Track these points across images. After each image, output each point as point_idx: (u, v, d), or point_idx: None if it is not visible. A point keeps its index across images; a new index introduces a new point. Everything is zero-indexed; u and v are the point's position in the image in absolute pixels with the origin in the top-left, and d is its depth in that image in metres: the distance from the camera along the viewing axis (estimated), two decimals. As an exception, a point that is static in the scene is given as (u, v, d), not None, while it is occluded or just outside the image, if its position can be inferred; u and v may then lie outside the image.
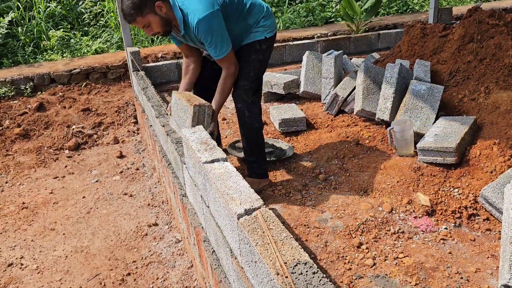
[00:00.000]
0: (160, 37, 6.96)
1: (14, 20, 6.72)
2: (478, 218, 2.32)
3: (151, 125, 3.83)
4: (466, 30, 3.63)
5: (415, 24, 4.19)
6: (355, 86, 3.66)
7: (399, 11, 9.33)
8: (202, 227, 2.27)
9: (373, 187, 2.62)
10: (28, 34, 6.74)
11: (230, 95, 2.68)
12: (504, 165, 2.51)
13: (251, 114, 2.68)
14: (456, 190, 2.51)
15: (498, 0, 10.83)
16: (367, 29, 7.17)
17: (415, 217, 2.35)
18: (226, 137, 3.62)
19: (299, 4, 8.82)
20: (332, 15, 8.59)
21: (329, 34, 7.03)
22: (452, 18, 6.75)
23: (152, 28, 2.41)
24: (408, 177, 2.65)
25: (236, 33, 2.58)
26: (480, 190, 2.40)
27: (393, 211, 2.40)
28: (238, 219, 1.55)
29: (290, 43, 6.03)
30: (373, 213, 2.38)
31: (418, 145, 2.76)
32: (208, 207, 2.03)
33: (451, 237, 2.20)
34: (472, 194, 2.45)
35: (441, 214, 2.36)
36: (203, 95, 2.71)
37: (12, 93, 5.32)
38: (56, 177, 4.09)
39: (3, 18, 6.47)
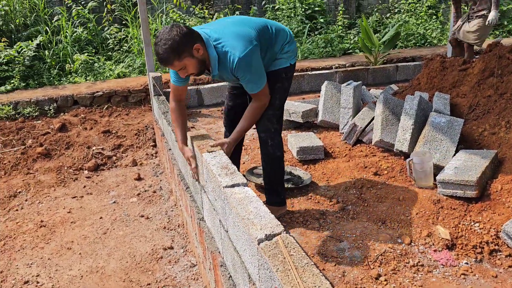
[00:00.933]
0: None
1: (41, 43, 6.97)
2: (500, 254, 2.28)
3: (170, 149, 3.88)
4: (486, 65, 3.65)
5: (435, 57, 4.23)
6: (374, 117, 3.68)
7: (417, 44, 9.41)
8: (219, 252, 2.27)
9: (391, 218, 2.60)
10: (54, 57, 6.97)
11: None
12: (526, 201, 2.47)
13: (274, 143, 2.67)
14: (477, 224, 2.47)
15: (517, 36, 10.85)
16: (385, 61, 7.24)
17: (434, 250, 2.31)
18: (244, 163, 3.65)
19: (317, 35, 8.97)
20: (350, 47, 8.70)
21: (347, 65, 7.11)
22: (472, 52, 6.77)
23: (187, 70, 2.33)
24: (428, 209, 2.62)
25: (265, 62, 2.54)
26: (502, 225, 2.36)
27: (412, 243, 2.37)
28: (259, 244, 1.56)
29: (309, 73, 6.11)
30: (392, 244, 2.35)
31: (438, 177, 2.74)
32: (227, 231, 2.04)
33: (472, 272, 2.15)
34: (494, 229, 2.41)
35: (461, 248, 2.32)
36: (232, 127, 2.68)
37: (36, 113, 5.47)
38: (74, 197, 4.14)
39: (32, 41, 6.71)
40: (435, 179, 2.83)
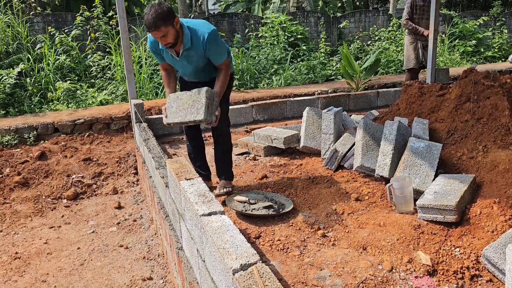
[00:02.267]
0: (163, 90, 7.21)
1: (23, 71, 6.92)
2: (481, 280, 2.26)
3: (150, 176, 3.83)
4: (462, 90, 3.73)
5: (413, 83, 4.30)
6: (355, 142, 3.70)
7: (398, 70, 9.62)
8: (197, 282, 2.21)
9: (372, 244, 2.58)
10: (36, 84, 6.92)
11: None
12: (505, 225, 2.48)
13: (226, 139, 3.47)
14: (458, 249, 2.46)
15: (492, 63, 11.19)
16: (366, 87, 7.36)
17: (416, 277, 2.29)
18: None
19: (300, 62, 9.11)
20: (333, 73, 8.85)
21: (329, 91, 7.20)
22: (449, 78, 6.94)
23: (167, 37, 2.94)
24: (408, 235, 2.61)
25: (203, 64, 3.21)
26: (482, 250, 2.35)
27: (393, 270, 2.34)
28: (234, 274, 1.52)
29: (291, 99, 6.17)
30: (373, 271, 2.32)
31: (418, 202, 2.74)
32: (204, 261, 1.99)
33: (453, 298, 2.13)
34: (474, 254, 2.40)
35: (442, 274, 2.30)
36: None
37: (15, 141, 5.38)
38: (52, 227, 4.03)
39: (13, 69, 6.67)
40: (415, 204, 2.83)
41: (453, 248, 2.48)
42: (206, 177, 3.55)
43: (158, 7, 2.89)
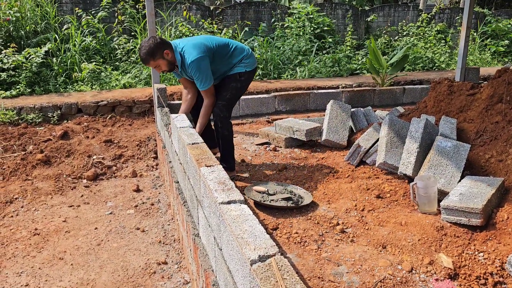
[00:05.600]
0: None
1: (50, 51, 7.00)
2: (505, 287, 2.18)
3: (170, 161, 3.83)
4: (494, 90, 3.59)
5: (442, 80, 4.17)
6: (378, 138, 3.61)
7: (425, 68, 9.39)
8: (213, 270, 2.19)
9: (392, 243, 2.51)
10: (62, 65, 6.99)
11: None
12: (533, 232, 2.38)
13: (223, 125, 3.49)
14: (481, 254, 2.38)
15: (526, 64, 10.81)
16: (392, 83, 7.20)
17: (436, 280, 2.22)
18: (244, 179, 3.58)
19: (325, 55, 8.97)
20: (358, 67, 8.69)
21: (354, 85, 7.08)
22: (479, 78, 6.73)
23: (160, 67, 3.39)
24: (430, 236, 2.53)
25: (222, 70, 3.52)
26: (507, 256, 2.27)
27: (413, 271, 2.28)
28: (251, 265, 1.48)
29: (315, 91, 6.08)
30: (392, 271, 2.26)
31: (442, 203, 2.66)
32: (221, 249, 1.96)
33: (475, 304, 2.05)
34: (499, 260, 2.31)
35: (464, 278, 2.23)
36: (197, 117, 3.64)
37: (40, 120, 5.45)
38: (71, 206, 4.08)
39: (40, 48, 6.74)
40: (439, 205, 2.74)
41: (476, 253, 2.40)
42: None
43: (147, 44, 3.26)
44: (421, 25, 11.11)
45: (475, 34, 11.34)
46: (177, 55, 3.35)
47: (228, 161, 3.57)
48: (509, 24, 11.79)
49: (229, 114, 3.58)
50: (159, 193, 4.33)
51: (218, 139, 3.56)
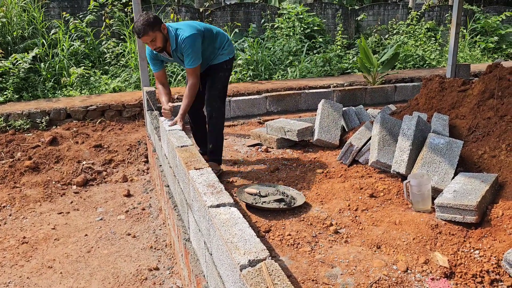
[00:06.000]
0: (176, 78, 7.18)
1: (38, 56, 6.90)
2: (502, 284, 2.14)
3: (160, 165, 3.77)
4: (486, 86, 3.57)
5: (434, 77, 4.15)
6: (371, 137, 3.58)
7: (416, 65, 9.40)
8: (204, 276, 2.14)
9: (387, 243, 2.47)
10: (50, 70, 6.90)
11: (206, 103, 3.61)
12: (529, 228, 2.35)
13: (217, 115, 3.53)
14: (477, 251, 2.35)
15: (516, 60, 10.86)
16: (383, 81, 7.19)
17: (432, 279, 2.18)
18: (236, 181, 3.53)
19: (316, 54, 8.95)
20: (349, 66, 8.67)
21: (345, 84, 7.05)
22: (470, 74, 6.74)
23: (156, 42, 3.30)
24: (425, 234, 2.50)
25: (207, 55, 3.54)
26: (503, 253, 2.23)
27: (409, 271, 2.24)
28: (241, 270, 1.43)
29: (306, 91, 6.04)
30: (387, 271, 2.22)
31: (436, 201, 2.62)
32: (211, 254, 1.91)
33: (472, 303, 2.02)
34: (495, 257, 2.28)
35: (460, 277, 2.19)
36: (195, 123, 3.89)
37: (28, 126, 5.37)
38: (60, 213, 4.00)
39: (28, 53, 6.65)
40: (433, 203, 2.71)
41: (472, 250, 2.36)
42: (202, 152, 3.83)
43: (145, 16, 3.26)
44: (411, 23, 11.13)
45: (464, 31, 11.38)
46: (170, 32, 3.37)
47: (218, 154, 3.64)
48: (498, 20, 11.85)
49: (224, 104, 3.66)
50: (150, 198, 4.27)
51: (211, 131, 3.59)
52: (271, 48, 8.87)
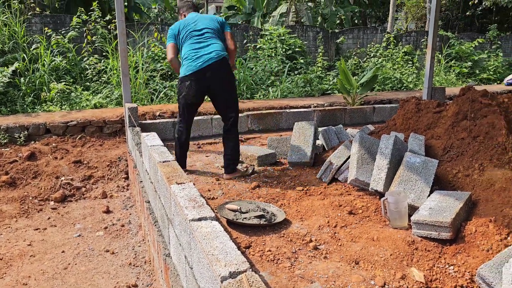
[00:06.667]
0: (159, 96, 7.22)
1: (18, 70, 6.84)
2: (475, 299, 2.20)
3: (141, 181, 3.76)
4: (459, 108, 3.71)
5: (410, 99, 4.28)
6: (350, 155, 3.66)
7: (394, 88, 9.66)
8: (184, 291, 2.13)
9: (365, 258, 2.52)
10: (30, 84, 6.84)
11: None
12: (500, 244, 2.43)
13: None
14: (452, 267, 2.41)
15: (487, 85, 11.28)
16: (362, 102, 7.35)
17: (409, 294, 2.22)
18: (217, 198, 3.54)
19: (297, 75, 9.11)
20: (329, 88, 8.85)
21: (325, 104, 7.19)
22: (445, 97, 6.96)
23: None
24: (402, 250, 2.55)
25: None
26: (476, 269, 2.30)
27: (386, 286, 2.28)
28: (222, 282, 1.45)
29: (287, 110, 6.13)
30: (365, 286, 2.26)
31: (412, 218, 2.69)
32: (192, 268, 1.92)
33: (447, 317, 2.06)
34: (469, 272, 2.34)
35: (436, 292, 2.24)
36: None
37: (5, 141, 5.28)
38: (37, 229, 3.93)
39: (7, 67, 6.59)
40: (409, 220, 2.78)
41: (447, 266, 2.43)
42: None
43: None
44: (389, 47, 11.47)
45: (440, 56, 11.78)
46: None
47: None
48: (472, 47, 12.31)
49: (180, 122, 4.00)
50: (130, 214, 4.23)
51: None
52: (253, 68, 9.00)
